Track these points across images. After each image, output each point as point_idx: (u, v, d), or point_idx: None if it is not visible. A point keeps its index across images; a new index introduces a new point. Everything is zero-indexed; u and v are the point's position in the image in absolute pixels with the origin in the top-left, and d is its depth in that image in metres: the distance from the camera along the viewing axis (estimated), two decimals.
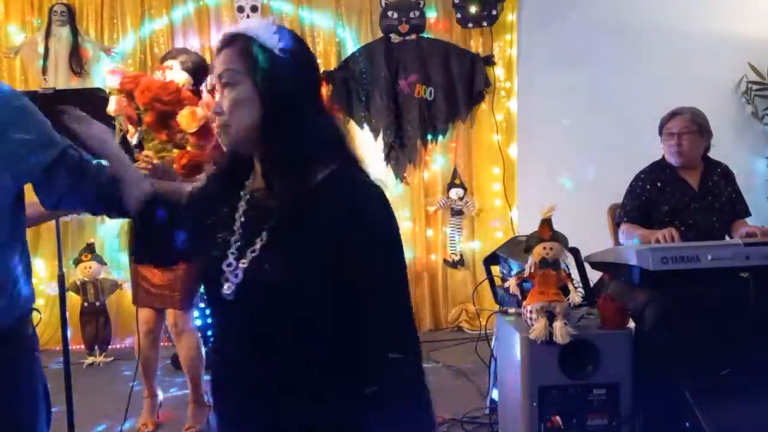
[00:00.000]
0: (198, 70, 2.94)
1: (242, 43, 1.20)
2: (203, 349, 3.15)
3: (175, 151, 2.44)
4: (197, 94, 2.83)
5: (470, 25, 4.72)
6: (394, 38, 4.68)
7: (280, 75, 1.19)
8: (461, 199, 4.79)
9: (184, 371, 3.20)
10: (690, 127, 3.03)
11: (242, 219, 1.24)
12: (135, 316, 3.09)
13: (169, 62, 2.93)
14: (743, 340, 2.56)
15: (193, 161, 2.39)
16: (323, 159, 1.22)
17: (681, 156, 3.06)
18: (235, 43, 1.21)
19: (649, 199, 3.06)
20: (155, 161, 2.41)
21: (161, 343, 3.28)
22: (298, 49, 1.24)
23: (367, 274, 1.18)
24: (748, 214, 3.17)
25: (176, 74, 2.79)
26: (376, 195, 1.22)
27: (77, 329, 4.26)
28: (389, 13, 4.64)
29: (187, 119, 2.39)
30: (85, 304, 4.30)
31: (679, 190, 3.05)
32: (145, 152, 2.44)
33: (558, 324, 2.47)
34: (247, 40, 1.20)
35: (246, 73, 1.19)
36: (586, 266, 2.91)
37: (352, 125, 4.80)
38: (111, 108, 2.44)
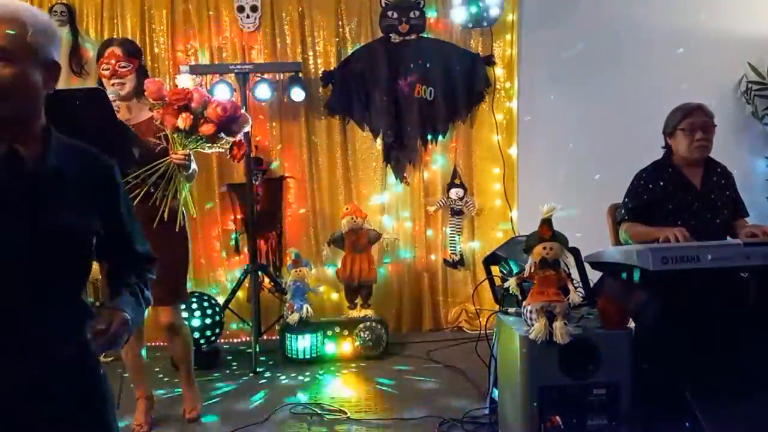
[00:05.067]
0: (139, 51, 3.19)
1: None
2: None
3: (206, 145, 3.02)
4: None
5: (470, 25, 4.72)
6: (394, 38, 4.68)
7: None
8: (461, 199, 4.78)
9: (181, 365, 3.29)
10: (709, 121, 3.04)
11: None
12: None
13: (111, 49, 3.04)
14: (743, 340, 2.56)
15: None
16: None
17: (706, 150, 3.04)
18: None
19: (651, 198, 3.05)
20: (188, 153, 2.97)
21: (160, 343, 3.30)
22: None
23: None
24: (746, 214, 3.17)
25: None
26: None
27: None
28: (389, 13, 4.64)
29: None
30: None
31: (683, 189, 3.05)
32: (181, 152, 2.93)
33: (558, 324, 2.48)
34: None
35: None
36: (586, 266, 2.91)
37: (352, 125, 4.80)
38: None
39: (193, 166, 3.05)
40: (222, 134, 2.99)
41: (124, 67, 2.98)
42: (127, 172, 2.87)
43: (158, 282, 2.89)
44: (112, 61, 2.97)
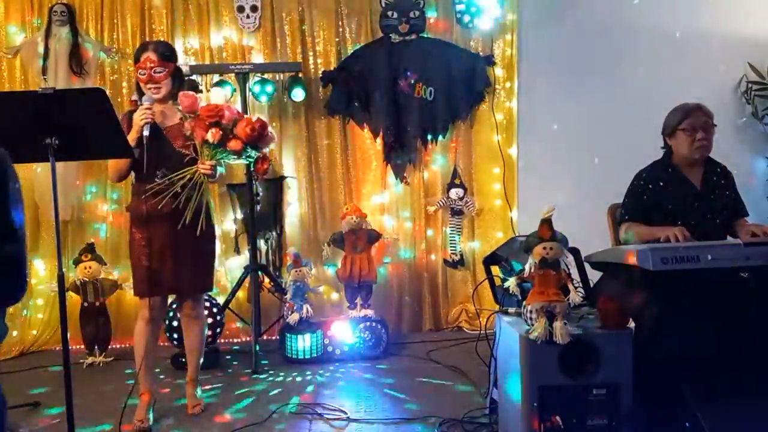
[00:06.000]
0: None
1: None
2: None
3: (231, 156, 3.10)
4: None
5: (470, 25, 4.73)
6: (394, 38, 4.68)
7: None
8: (461, 199, 4.79)
9: (191, 355, 3.38)
10: (709, 121, 3.04)
11: None
12: (140, 305, 3.20)
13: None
14: (743, 340, 2.56)
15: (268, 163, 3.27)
16: None
17: (707, 150, 3.05)
18: None
19: (651, 198, 3.05)
20: (214, 165, 3.05)
21: (161, 343, 3.32)
22: None
23: None
24: (746, 214, 3.17)
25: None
26: None
27: (77, 329, 4.25)
28: (389, 13, 4.64)
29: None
30: (85, 304, 4.29)
31: (683, 189, 3.05)
32: (209, 162, 3.02)
33: (558, 324, 2.48)
34: None
35: None
36: (586, 266, 2.91)
37: (352, 125, 4.80)
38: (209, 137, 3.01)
39: (221, 170, 3.16)
40: (248, 148, 3.10)
41: (159, 72, 3.09)
42: (156, 179, 3.04)
43: (189, 275, 3.18)
44: (148, 65, 3.08)
